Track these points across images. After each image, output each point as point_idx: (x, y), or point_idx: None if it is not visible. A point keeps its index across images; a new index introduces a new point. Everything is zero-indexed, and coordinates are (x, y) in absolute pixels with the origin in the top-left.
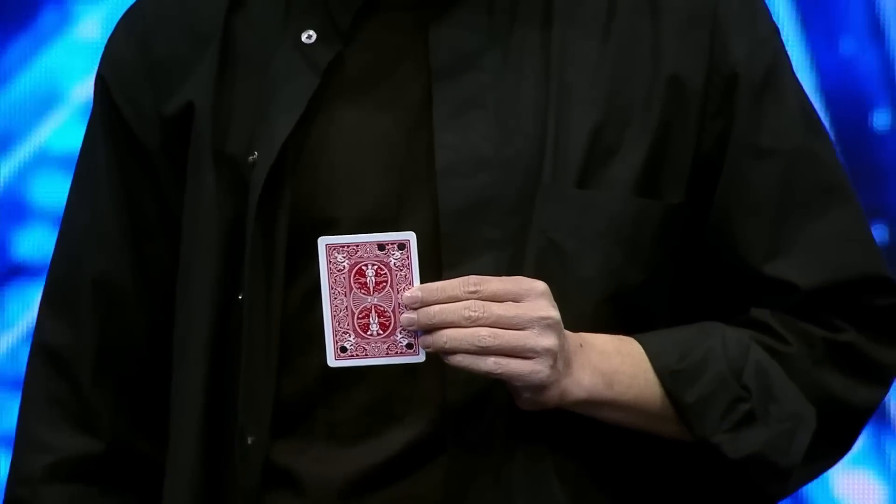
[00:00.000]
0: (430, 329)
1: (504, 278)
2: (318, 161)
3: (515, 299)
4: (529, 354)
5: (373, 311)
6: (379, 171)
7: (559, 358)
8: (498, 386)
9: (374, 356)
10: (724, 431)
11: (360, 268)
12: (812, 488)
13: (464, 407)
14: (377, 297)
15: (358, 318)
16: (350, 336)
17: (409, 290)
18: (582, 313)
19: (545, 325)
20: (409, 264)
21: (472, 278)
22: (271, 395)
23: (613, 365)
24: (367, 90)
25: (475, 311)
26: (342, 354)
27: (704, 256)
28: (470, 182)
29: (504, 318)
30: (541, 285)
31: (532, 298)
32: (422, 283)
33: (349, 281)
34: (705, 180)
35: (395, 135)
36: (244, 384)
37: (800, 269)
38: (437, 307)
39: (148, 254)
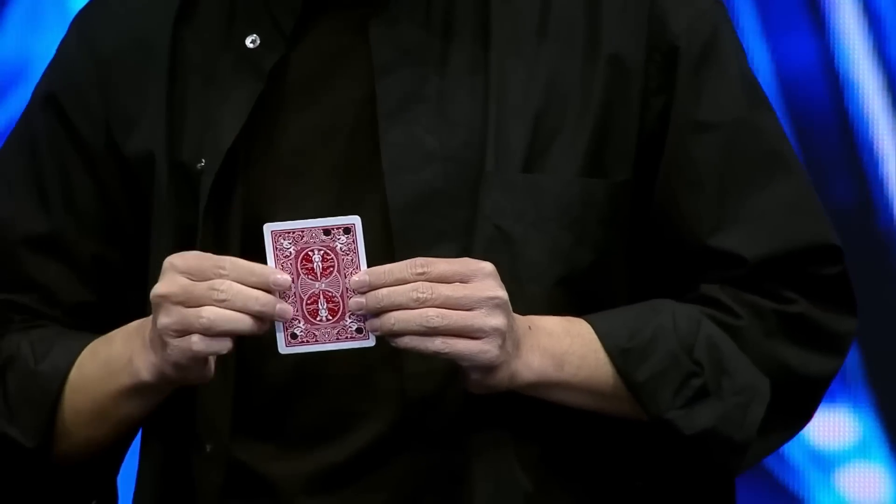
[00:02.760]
0: (379, 312)
1: (452, 259)
2: (265, 166)
3: (463, 280)
4: (478, 334)
5: (321, 296)
6: (327, 173)
7: (508, 339)
8: (456, 377)
9: (324, 342)
10: (678, 408)
11: (307, 253)
12: None
13: (423, 399)
14: (325, 282)
15: (307, 303)
16: (300, 322)
17: (357, 275)
18: (534, 298)
19: (493, 304)
20: (356, 248)
21: (419, 260)
22: (229, 402)
23: (563, 346)
24: (312, 93)
25: (423, 293)
26: (293, 341)
27: (652, 234)
28: (417, 176)
29: (452, 299)
30: (488, 266)
31: (480, 279)
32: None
33: (296, 267)
34: (651, 157)
35: (341, 135)
36: (200, 394)
37: (745, 240)
38: (385, 290)
39: (84, 254)
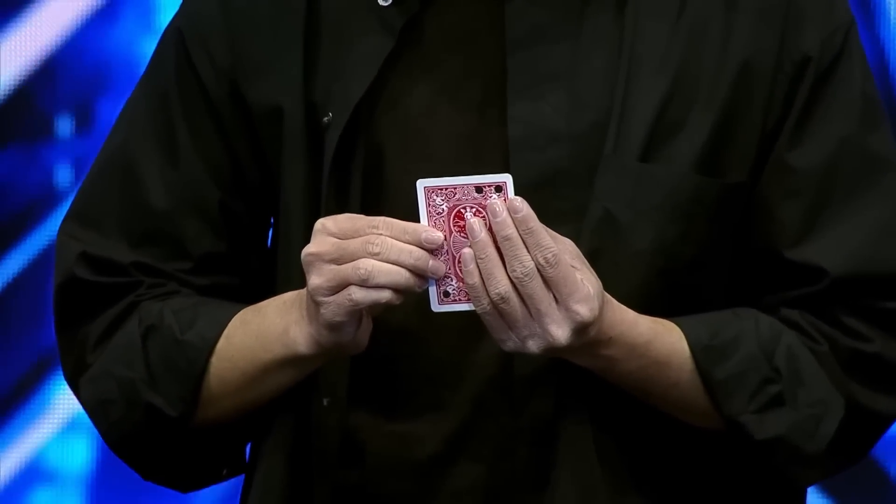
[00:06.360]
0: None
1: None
2: (388, 126)
3: (558, 300)
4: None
5: None
6: (451, 140)
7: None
8: (562, 363)
9: None
10: (751, 412)
11: (459, 210)
12: None
13: (531, 379)
14: None
15: (459, 262)
16: (452, 280)
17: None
18: (632, 286)
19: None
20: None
21: (550, 253)
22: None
23: (647, 336)
24: (441, 57)
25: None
26: (445, 299)
27: (744, 238)
28: (541, 155)
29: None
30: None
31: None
32: None
33: (449, 224)
34: (764, 163)
35: (468, 104)
36: None
37: (831, 254)
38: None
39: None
